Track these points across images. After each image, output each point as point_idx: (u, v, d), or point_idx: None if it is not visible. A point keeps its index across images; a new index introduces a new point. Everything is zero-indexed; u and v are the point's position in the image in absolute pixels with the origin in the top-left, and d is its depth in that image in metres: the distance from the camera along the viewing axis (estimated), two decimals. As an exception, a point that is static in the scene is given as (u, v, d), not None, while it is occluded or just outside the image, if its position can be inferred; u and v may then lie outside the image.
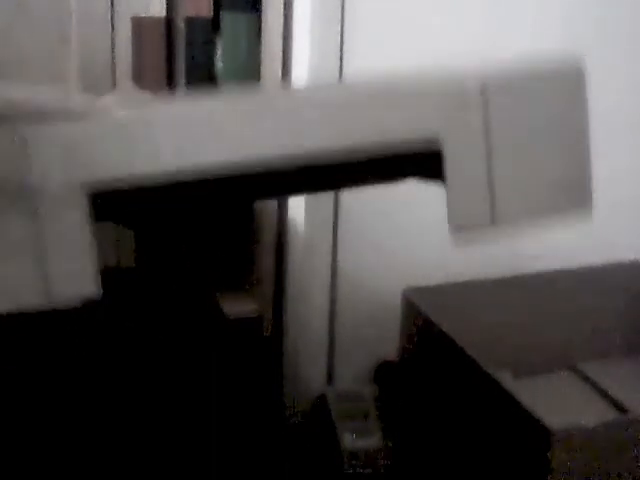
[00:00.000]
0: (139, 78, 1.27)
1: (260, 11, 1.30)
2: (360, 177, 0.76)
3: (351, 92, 0.58)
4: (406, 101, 0.59)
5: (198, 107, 0.56)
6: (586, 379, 1.35)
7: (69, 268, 0.53)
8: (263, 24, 1.30)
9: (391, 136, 0.58)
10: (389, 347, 1.31)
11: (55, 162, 0.52)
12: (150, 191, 0.58)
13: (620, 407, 1.25)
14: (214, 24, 1.29)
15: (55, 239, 0.53)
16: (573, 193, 0.66)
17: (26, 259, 0.53)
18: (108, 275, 0.58)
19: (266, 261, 1.40)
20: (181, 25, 1.27)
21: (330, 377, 1.48)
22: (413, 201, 1.43)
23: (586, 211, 0.67)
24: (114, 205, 0.70)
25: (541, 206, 0.65)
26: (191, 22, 1.27)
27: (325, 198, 1.40)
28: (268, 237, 1.40)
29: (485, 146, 0.61)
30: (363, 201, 1.42)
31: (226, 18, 1.28)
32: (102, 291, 0.54)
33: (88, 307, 0.96)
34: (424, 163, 0.65)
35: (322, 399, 1.39)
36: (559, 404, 1.26)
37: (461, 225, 0.62)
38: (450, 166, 0.60)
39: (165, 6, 1.26)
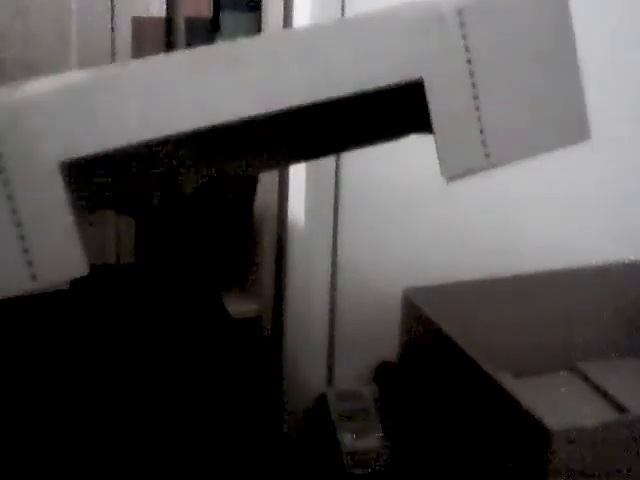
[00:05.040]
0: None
1: (260, 11, 1.30)
2: (356, 135, 0.74)
3: (329, 32, 0.57)
4: (384, 33, 0.57)
5: (166, 62, 0.54)
6: (586, 379, 1.35)
7: (52, 248, 0.52)
8: (263, 24, 1.30)
9: (372, 70, 0.56)
10: (389, 347, 1.31)
11: (22, 139, 0.52)
12: (126, 158, 0.56)
13: (620, 407, 1.25)
14: (214, 24, 1.28)
15: (34, 219, 0.52)
16: (567, 120, 0.62)
17: (7, 244, 0.52)
18: (107, 272, 0.58)
19: (266, 261, 1.40)
20: (181, 25, 1.27)
21: (330, 377, 1.47)
22: (413, 201, 1.43)
23: (582, 135, 0.63)
24: (104, 182, 0.70)
25: (534, 135, 0.61)
26: (191, 22, 1.27)
27: (325, 198, 1.40)
28: (268, 237, 1.39)
29: (468, 73, 0.58)
30: (363, 201, 1.42)
31: (226, 18, 1.28)
32: (89, 269, 0.53)
33: (86, 303, 0.95)
34: (419, 115, 0.63)
35: (322, 399, 1.39)
36: (559, 404, 1.26)
37: (454, 165, 0.59)
38: (434, 99, 0.58)
39: (165, 6, 1.26)
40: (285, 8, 1.30)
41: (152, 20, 1.26)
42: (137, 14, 1.25)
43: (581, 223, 1.51)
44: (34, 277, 0.52)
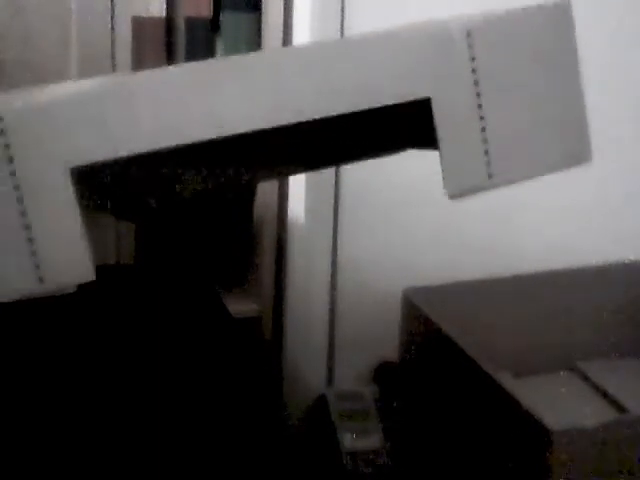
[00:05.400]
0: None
1: (260, 11, 1.30)
2: (358, 148, 0.75)
3: (338, 50, 0.57)
4: (393, 52, 0.58)
5: (175, 74, 0.55)
6: (586, 379, 1.35)
7: (60, 252, 0.52)
8: (263, 24, 1.30)
9: (381, 87, 0.57)
10: (389, 347, 1.31)
11: (34, 143, 0.52)
12: (134, 165, 0.57)
13: (620, 407, 1.25)
14: (214, 24, 1.28)
15: (43, 223, 0.52)
16: (569, 139, 0.63)
17: (15, 247, 0.52)
18: (107, 273, 0.58)
19: (266, 261, 1.40)
20: (181, 25, 1.27)
21: (330, 377, 1.48)
22: (413, 201, 1.43)
23: (584, 157, 0.65)
24: (104, 186, 0.70)
25: (538, 154, 0.63)
26: (191, 22, 1.27)
27: (325, 198, 1.40)
28: (268, 237, 1.39)
29: (475, 94, 0.59)
30: (363, 201, 1.42)
31: (226, 18, 1.28)
32: (95, 275, 0.53)
33: (85, 303, 0.95)
34: (418, 130, 0.64)
35: (322, 399, 1.39)
36: (559, 404, 1.26)
37: (457, 183, 0.60)
38: (440, 118, 0.58)
39: (165, 6, 1.26)
40: (285, 8, 1.30)
41: (152, 20, 1.26)
42: (137, 14, 1.25)
43: (581, 223, 1.51)
44: (41, 280, 0.52)
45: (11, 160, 0.51)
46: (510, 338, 1.33)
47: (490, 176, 0.61)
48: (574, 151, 0.64)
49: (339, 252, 1.43)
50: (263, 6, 1.29)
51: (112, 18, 1.23)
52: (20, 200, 0.52)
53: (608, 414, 1.25)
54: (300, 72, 0.56)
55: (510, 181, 0.62)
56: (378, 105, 0.57)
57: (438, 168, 0.61)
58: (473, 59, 0.59)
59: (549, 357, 1.37)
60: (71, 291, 0.55)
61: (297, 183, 1.37)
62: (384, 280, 1.42)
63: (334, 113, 0.56)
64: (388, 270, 1.43)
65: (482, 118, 0.59)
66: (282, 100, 0.55)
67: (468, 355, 1.05)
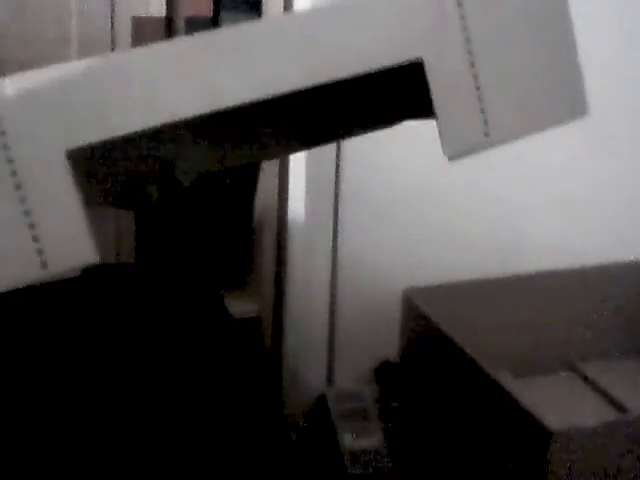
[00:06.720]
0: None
1: (260, 11, 1.30)
2: (354, 120, 0.74)
3: (328, 14, 0.57)
4: (382, 15, 0.57)
5: (168, 50, 0.55)
6: (586, 379, 1.35)
7: (62, 236, 0.52)
8: (263, 24, 1.30)
9: (372, 50, 0.57)
10: (389, 347, 1.31)
11: (29, 128, 0.52)
12: (131, 143, 0.57)
13: (620, 407, 1.25)
14: (214, 24, 1.29)
15: (43, 208, 0.52)
16: (565, 97, 0.63)
17: (17, 233, 0.52)
18: (106, 272, 0.58)
19: (266, 261, 1.40)
20: (181, 25, 1.27)
21: (330, 377, 1.48)
22: (413, 201, 1.43)
23: (580, 111, 0.64)
24: (102, 175, 0.70)
25: (534, 110, 0.62)
26: (191, 22, 1.27)
27: (325, 198, 1.40)
28: (268, 237, 1.40)
29: (467, 52, 0.59)
30: (363, 201, 1.42)
31: (226, 18, 1.28)
32: (99, 257, 0.53)
33: (85, 303, 0.96)
34: (414, 100, 0.63)
35: (322, 399, 1.39)
36: (559, 404, 1.26)
37: (455, 144, 0.60)
38: (434, 79, 0.58)
39: (165, 6, 1.26)
40: (285, 8, 1.30)
41: (152, 20, 1.26)
42: (137, 14, 1.25)
43: (581, 223, 1.51)
44: (44, 265, 0.52)
45: (7, 147, 0.51)
46: (510, 338, 1.33)
47: (487, 134, 0.60)
48: (570, 105, 0.64)
49: (339, 252, 1.43)
50: (263, 6, 1.30)
51: (112, 18, 1.24)
52: (19, 186, 0.52)
53: (608, 414, 1.25)
54: (292, 39, 0.55)
55: (508, 139, 0.62)
56: (370, 69, 0.57)
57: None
58: (463, 17, 0.59)
59: (549, 357, 1.37)
60: (75, 275, 0.54)
61: (297, 183, 1.37)
62: (384, 280, 1.42)
63: (328, 80, 0.56)
64: (388, 270, 1.43)
65: (476, 76, 0.59)
66: (276, 69, 0.55)
67: (468, 355, 1.05)
